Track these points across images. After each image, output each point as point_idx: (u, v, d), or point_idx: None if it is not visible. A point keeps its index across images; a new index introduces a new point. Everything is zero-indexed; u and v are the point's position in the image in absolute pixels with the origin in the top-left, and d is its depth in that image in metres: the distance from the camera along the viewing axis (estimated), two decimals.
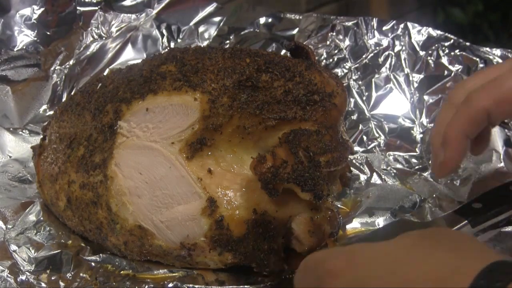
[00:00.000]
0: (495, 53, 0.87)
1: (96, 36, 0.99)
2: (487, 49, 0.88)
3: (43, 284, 0.61)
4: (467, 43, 0.89)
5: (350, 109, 0.89)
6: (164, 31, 1.01)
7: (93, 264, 0.65)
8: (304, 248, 0.62)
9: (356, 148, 0.85)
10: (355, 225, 0.71)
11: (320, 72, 0.66)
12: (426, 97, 0.88)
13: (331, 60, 0.94)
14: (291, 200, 0.60)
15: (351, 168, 0.80)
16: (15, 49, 0.93)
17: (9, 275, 0.62)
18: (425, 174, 0.79)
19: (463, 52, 0.88)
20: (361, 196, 0.75)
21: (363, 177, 0.80)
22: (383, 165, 0.81)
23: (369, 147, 0.85)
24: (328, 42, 0.95)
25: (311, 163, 0.59)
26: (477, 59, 0.87)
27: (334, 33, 0.95)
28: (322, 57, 0.94)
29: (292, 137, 0.60)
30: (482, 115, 0.53)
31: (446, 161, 0.56)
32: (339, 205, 0.74)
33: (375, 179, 0.80)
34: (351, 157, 0.81)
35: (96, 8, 0.98)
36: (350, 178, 0.78)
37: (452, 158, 0.56)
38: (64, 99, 0.96)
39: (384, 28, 0.93)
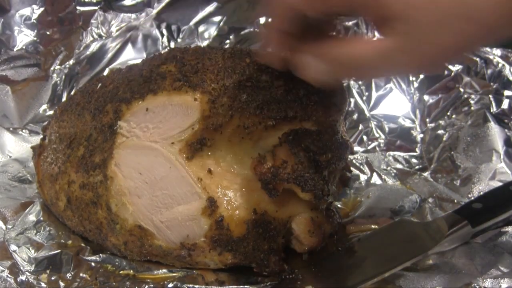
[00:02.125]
0: (495, 53, 0.87)
1: (96, 36, 0.99)
2: (487, 49, 0.88)
3: (43, 284, 0.61)
4: None
5: (350, 109, 0.89)
6: (164, 31, 1.01)
7: (93, 264, 0.65)
8: (304, 248, 0.62)
9: (356, 148, 0.85)
10: (355, 225, 0.71)
11: None
12: (426, 97, 0.88)
13: None
14: (291, 200, 0.60)
15: (351, 168, 0.80)
16: (15, 49, 0.93)
17: (9, 275, 0.62)
18: (425, 174, 0.79)
19: None
20: (361, 196, 0.76)
21: (363, 177, 0.80)
22: (383, 165, 0.82)
23: (369, 147, 0.85)
24: None
25: (311, 163, 0.59)
26: (477, 59, 0.87)
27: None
28: None
29: (292, 137, 0.60)
30: (293, 11, 0.49)
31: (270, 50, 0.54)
32: (339, 205, 0.74)
33: (375, 179, 0.80)
34: (351, 157, 0.81)
35: (96, 7, 0.98)
36: (350, 178, 0.78)
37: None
38: (64, 99, 0.96)
39: None
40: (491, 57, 0.87)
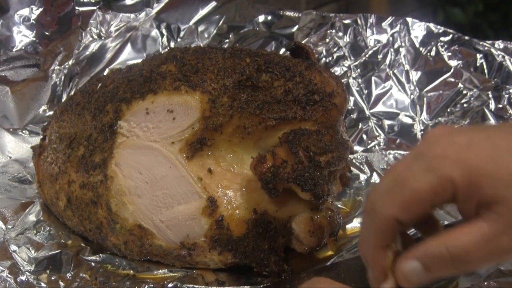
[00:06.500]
0: (497, 46, 0.87)
1: (95, 36, 0.98)
2: (488, 42, 0.87)
3: (43, 284, 0.61)
4: (466, 37, 0.89)
5: (349, 107, 0.89)
6: (164, 31, 1.01)
7: (93, 264, 0.65)
8: (304, 248, 0.62)
9: (356, 147, 0.85)
10: (355, 225, 0.71)
11: (320, 72, 0.66)
12: (426, 93, 0.88)
13: (330, 58, 0.94)
14: (291, 200, 0.60)
15: (351, 167, 0.80)
16: (14, 50, 0.93)
17: (9, 275, 0.62)
18: None
19: (462, 47, 0.88)
20: (361, 196, 0.75)
21: (363, 177, 0.80)
22: (383, 164, 0.81)
23: (369, 146, 0.85)
24: (327, 40, 0.95)
25: (311, 163, 0.59)
26: (477, 53, 0.87)
27: (333, 31, 0.95)
28: (322, 55, 0.94)
29: (292, 137, 0.60)
30: (390, 223, 0.47)
31: (374, 281, 0.49)
32: (339, 205, 0.74)
33: (375, 178, 0.80)
34: (351, 156, 0.81)
35: (95, 8, 0.98)
36: (350, 178, 0.78)
37: (379, 277, 0.49)
38: (63, 99, 0.96)
39: (383, 24, 0.93)
40: (492, 49, 0.86)
